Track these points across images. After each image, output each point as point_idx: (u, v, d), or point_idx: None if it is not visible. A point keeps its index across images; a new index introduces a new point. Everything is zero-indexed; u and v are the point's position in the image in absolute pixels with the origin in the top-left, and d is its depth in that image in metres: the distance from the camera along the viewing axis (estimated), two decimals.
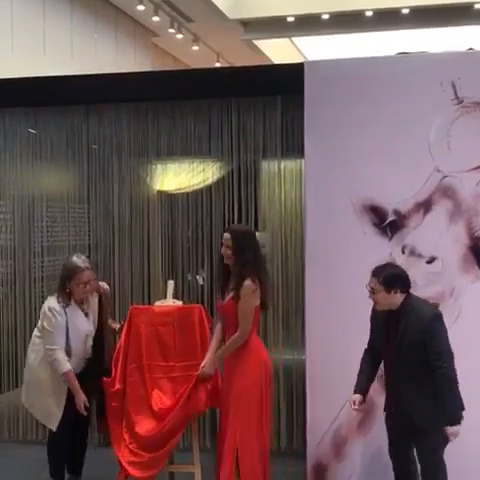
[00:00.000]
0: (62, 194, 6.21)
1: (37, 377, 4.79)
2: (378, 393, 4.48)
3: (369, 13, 11.62)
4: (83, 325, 4.80)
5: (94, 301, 4.93)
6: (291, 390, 5.72)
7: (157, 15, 11.83)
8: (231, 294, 4.40)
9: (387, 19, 11.58)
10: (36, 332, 4.87)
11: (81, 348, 4.79)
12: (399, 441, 4.24)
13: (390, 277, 4.08)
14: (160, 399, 4.66)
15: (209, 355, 4.57)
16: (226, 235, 4.47)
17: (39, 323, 4.85)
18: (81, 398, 4.69)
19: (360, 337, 4.43)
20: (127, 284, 6.01)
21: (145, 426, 4.64)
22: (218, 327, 4.61)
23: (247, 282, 4.32)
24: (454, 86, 4.76)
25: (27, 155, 6.18)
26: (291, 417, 5.69)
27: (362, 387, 4.31)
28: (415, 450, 4.19)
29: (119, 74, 6.06)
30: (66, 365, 4.66)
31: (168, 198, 6.11)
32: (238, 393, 4.40)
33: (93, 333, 4.89)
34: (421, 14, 11.23)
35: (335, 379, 4.87)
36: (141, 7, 11.37)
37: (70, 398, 4.73)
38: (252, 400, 4.39)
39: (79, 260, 4.74)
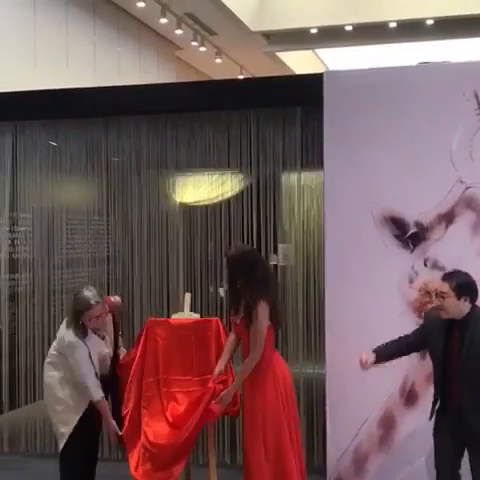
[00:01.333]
0: (82, 207, 6.21)
1: (53, 395, 4.77)
2: (399, 412, 4.38)
3: (393, 24, 11.55)
4: (102, 349, 4.80)
5: (109, 320, 4.89)
6: (311, 405, 5.62)
7: (180, 28, 11.89)
8: (241, 318, 4.38)
9: (411, 30, 11.51)
10: (52, 351, 4.84)
11: (102, 369, 4.78)
12: (451, 450, 4.12)
13: (463, 284, 3.98)
14: (176, 410, 4.60)
15: (219, 365, 4.52)
16: (224, 261, 4.50)
17: (54, 348, 4.81)
18: (113, 427, 4.67)
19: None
20: (145, 297, 5.99)
21: (160, 434, 4.58)
22: (231, 338, 4.57)
23: (255, 309, 4.28)
24: (477, 96, 4.67)
25: (47, 168, 6.19)
26: (311, 432, 5.59)
27: (381, 352, 4.19)
28: (470, 459, 4.07)
29: (137, 86, 6.07)
30: (99, 393, 4.64)
31: (187, 211, 6.08)
32: (260, 410, 4.32)
33: (111, 353, 4.87)
34: (444, 25, 11.14)
35: (355, 395, 4.79)
36: (164, 20, 11.42)
37: (88, 415, 4.69)
38: (275, 415, 4.32)
39: (90, 294, 4.68)
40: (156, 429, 4.60)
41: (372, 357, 4.15)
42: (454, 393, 4.01)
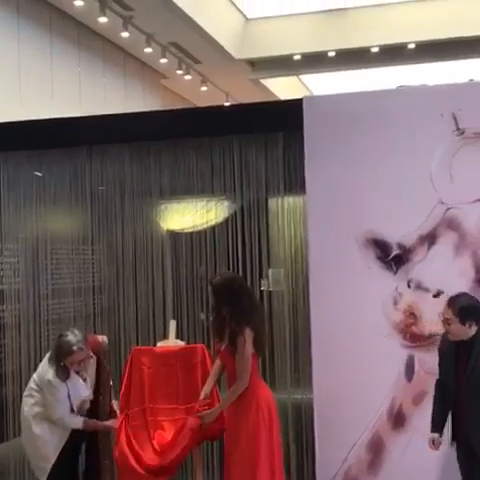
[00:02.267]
0: (67, 236, 6.18)
1: (30, 430, 4.72)
2: (388, 434, 4.36)
3: (375, 49, 11.70)
4: (82, 391, 4.75)
5: (92, 362, 4.84)
6: (300, 430, 5.58)
7: (165, 57, 11.99)
8: (225, 344, 4.38)
9: (393, 54, 11.68)
10: (32, 384, 4.80)
11: (80, 413, 4.75)
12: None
13: (466, 308, 3.97)
14: (162, 439, 4.58)
15: (205, 389, 4.51)
16: (209, 287, 4.53)
17: (34, 382, 4.78)
18: (108, 425, 4.71)
19: (367, 375, 4.33)
20: (132, 325, 5.93)
21: (148, 457, 4.59)
22: (216, 364, 4.56)
23: (241, 336, 4.29)
24: (455, 117, 4.72)
25: (31, 198, 6.17)
26: (301, 458, 5.54)
27: (437, 424, 4.12)
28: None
29: (119, 115, 6.08)
30: (77, 420, 4.64)
31: (173, 238, 6.06)
32: (242, 436, 4.32)
33: (91, 397, 4.82)
34: (426, 48, 11.30)
35: (344, 419, 4.77)
36: (149, 49, 11.53)
37: (68, 448, 4.66)
38: (258, 441, 4.30)
39: (74, 339, 4.61)
40: (145, 454, 4.58)
41: (437, 435, 4.10)
42: (461, 413, 3.99)
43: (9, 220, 6.23)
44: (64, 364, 4.63)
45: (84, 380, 4.76)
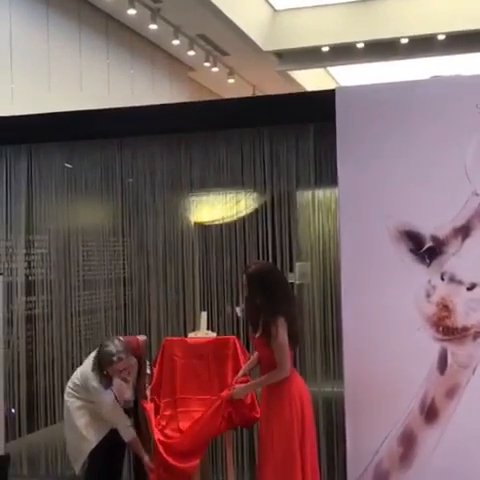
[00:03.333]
0: (97, 228, 6.23)
1: (72, 421, 4.79)
2: (420, 428, 4.33)
3: (404, 40, 11.59)
4: (126, 395, 4.80)
5: (134, 366, 4.84)
6: (330, 423, 5.58)
7: (192, 49, 11.98)
8: (260, 333, 4.35)
9: (422, 45, 11.56)
10: (75, 380, 4.86)
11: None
12: None
13: None
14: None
15: (243, 368, 4.56)
16: (244, 276, 4.49)
17: (77, 378, 4.86)
18: (146, 461, 4.66)
19: (399, 368, 4.30)
20: (162, 316, 5.97)
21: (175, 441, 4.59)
22: (252, 358, 4.60)
23: (274, 326, 4.26)
24: None
25: (62, 189, 6.22)
26: (332, 451, 5.54)
27: None
28: None
29: (150, 106, 6.07)
30: (131, 433, 4.68)
31: (203, 230, 6.08)
32: (274, 429, 4.31)
33: (133, 397, 4.87)
34: (456, 39, 11.17)
35: (375, 412, 4.74)
36: (176, 42, 11.53)
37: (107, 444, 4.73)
38: (290, 436, 4.30)
39: (114, 350, 4.62)
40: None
41: None
42: None
43: (40, 212, 6.29)
44: (107, 373, 4.65)
45: (127, 382, 4.77)
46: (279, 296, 4.34)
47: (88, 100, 9.40)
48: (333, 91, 4.92)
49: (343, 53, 12.11)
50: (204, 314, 4.94)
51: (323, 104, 5.00)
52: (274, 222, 5.75)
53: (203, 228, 6.09)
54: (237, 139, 5.78)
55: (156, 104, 6.22)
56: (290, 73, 13.37)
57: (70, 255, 6.23)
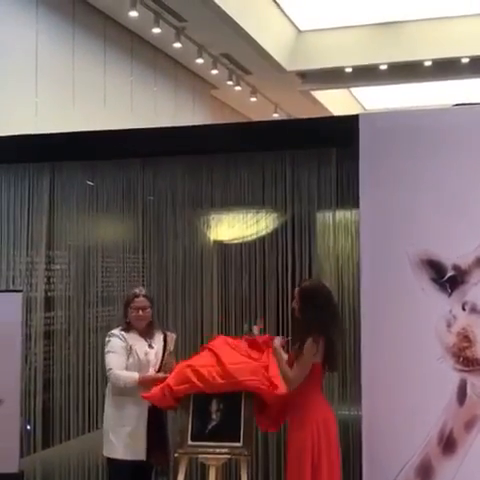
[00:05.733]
0: (118, 245, 6.22)
1: (106, 412, 4.96)
2: (438, 459, 4.26)
3: (428, 63, 11.56)
4: (146, 352, 4.88)
5: (159, 338, 5.05)
6: (347, 448, 5.50)
7: (216, 68, 12.03)
8: (297, 346, 4.43)
9: (446, 68, 11.52)
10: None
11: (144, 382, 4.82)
12: None
13: None
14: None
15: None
16: (296, 289, 4.59)
17: None
18: (161, 376, 4.77)
19: (418, 397, 4.24)
20: (180, 336, 5.91)
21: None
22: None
23: (308, 341, 4.31)
24: None
25: (83, 206, 6.23)
26: (347, 478, 5.46)
27: None
28: None
29: (173, 128, 6.11)
30: (131, 375, 4.77)
31: (222, 249, 6.06)
32: (291, 450, 4.38)
33: (157, 366, 4.90)
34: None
35: (392, 440, 4.68)
36: (200, 60, 11.57)
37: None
38: (304, 460, 4.31)
39: (137, 289, 5.08)
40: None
41: None
42: None
43: (61, 228, 6.30)
44: (129, 321, 4.90)
45: (150, 346, 4.93)
46: (326, 316, 4.39)
47: (111, 117, 9.47)
48: (357, 116, 4.90)
49: (366, 74, 12.11)
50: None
51: (346, 129, 4.99)
52: (294, 242, 5.72)
53: (223, 246, 6.07)
54: (259, 161, 5.76)
55: (178, 126, 6.24)
56: (313, 93, 13.37)
57: (90, 271, 6.23)
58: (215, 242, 6.14)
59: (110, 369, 4.79)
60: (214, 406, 4.67)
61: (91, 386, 6.00)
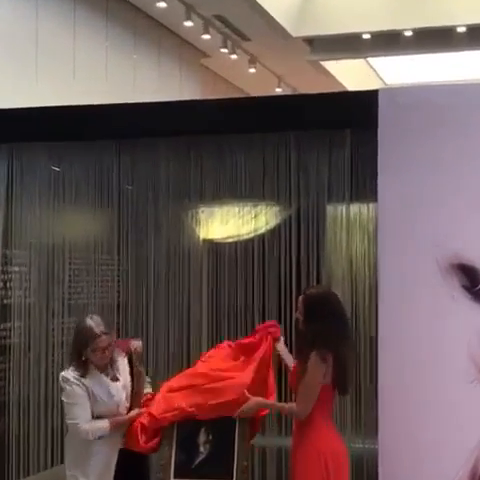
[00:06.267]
0: (88, 244, 6.25)
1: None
2: None
3: (461, 29, 11.57)
4: (112, 393, 4.77)
5: (123, 362, 4.90)
6: None
7: (207, 33, 12.01)
8: (299, 360, 4.50)
9: None
10: None
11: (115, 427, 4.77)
12: None
13: None
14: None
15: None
16: (300, 298, 4.64)
17: None
18: (134, 415, 4.77)
19: (446, 427, 4.26)
20: (162, 350, 5.97)
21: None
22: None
23: (314, 354, 4.34)
24: None
25: (48, 197, 6.23)
26: None
27: None
28: None
29: (156, 103, 6.10)
30: (101, 424, 4.68)
31: (213, 249, 6.09)
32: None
33: (127, 402, 4.84)
34: None
35: (414, 477, 4.73)
36: (189, 23, 11.55)
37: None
38: None
39: (93, 323, 4.70)
40: None
41: None
42: None
43: (20, 222, 6.30)
44: (85, 359, 4.71)
45: (116, 380, 4.80)
46: (333, 329, 4.41)
47: (81, 90, 9.50)
48: (376, 92, 4.92)
49: (387, 42, 12.12)
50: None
51: (363, 106, 5.03)
52: (300, 241, 5.75)
53: (214, 246, 6.10)
54: (258, 144, 5.78)
55: (162, 101, 6.26)
56: (323, 64, 13.39)
57: (54, 274, 6.25)
58: (205, 241, 6.18)
59: (77, 424, 4.68)
60: (202, 437, 4.68)
61: (55, 411, 6.00)
